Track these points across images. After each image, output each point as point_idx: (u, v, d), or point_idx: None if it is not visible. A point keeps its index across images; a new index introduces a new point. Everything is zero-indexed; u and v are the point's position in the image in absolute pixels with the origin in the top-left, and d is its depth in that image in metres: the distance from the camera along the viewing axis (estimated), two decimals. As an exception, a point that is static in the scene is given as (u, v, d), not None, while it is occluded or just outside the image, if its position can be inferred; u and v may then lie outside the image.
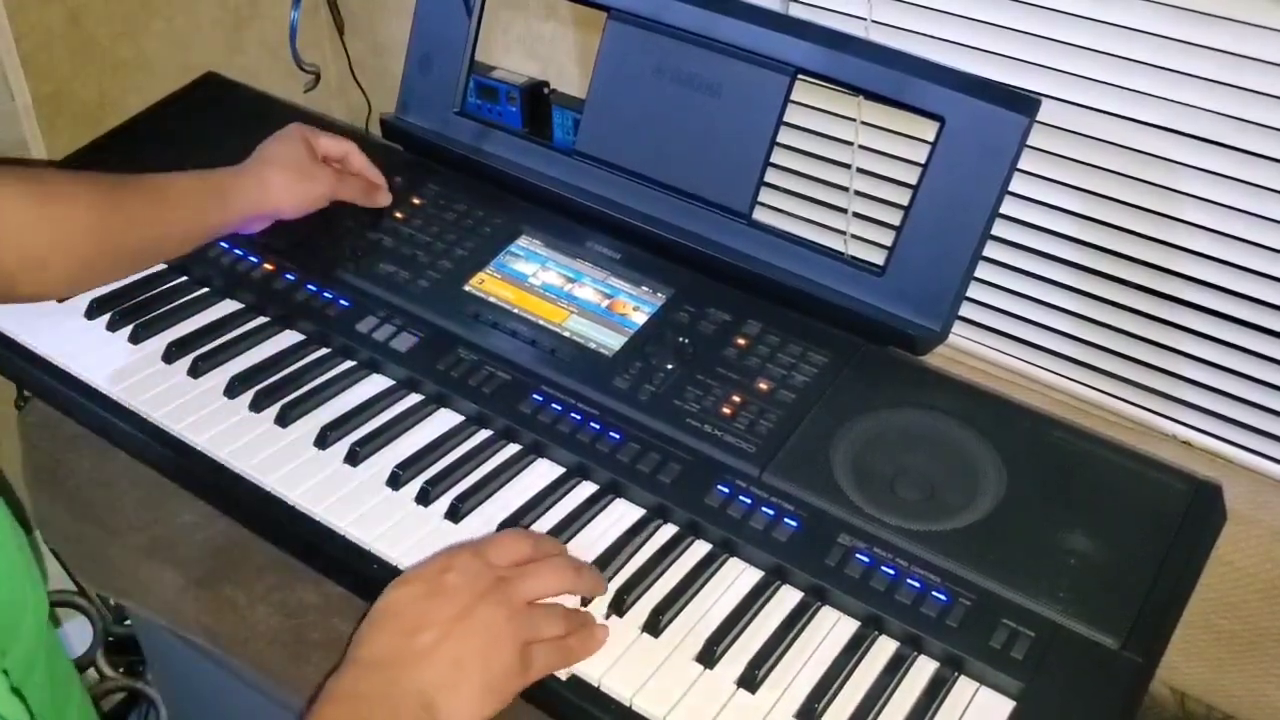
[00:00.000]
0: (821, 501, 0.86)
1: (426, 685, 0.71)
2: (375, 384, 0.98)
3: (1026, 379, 1.29)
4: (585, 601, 0.81)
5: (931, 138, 0.94)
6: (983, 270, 1.25)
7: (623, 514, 0.88)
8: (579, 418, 0.93)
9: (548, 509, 0.88)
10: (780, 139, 1.04)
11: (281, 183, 1.06)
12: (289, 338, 1.03)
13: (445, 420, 0.95)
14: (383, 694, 0.70)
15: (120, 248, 0.97)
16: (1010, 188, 0.93)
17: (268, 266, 1.07)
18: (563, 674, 0.77)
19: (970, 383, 0.96)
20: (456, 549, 0.78)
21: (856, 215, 1.35)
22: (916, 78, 0.94)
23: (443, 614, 0.73)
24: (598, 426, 0.92)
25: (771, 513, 0.86)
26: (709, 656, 0.78)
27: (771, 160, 1.02)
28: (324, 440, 0.92)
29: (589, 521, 0.87)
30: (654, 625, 0.79)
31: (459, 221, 1.10)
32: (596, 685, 0.77)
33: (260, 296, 1.05)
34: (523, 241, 1.08)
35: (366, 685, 0.71)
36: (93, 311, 1.04)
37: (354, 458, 0.91)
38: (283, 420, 0.94)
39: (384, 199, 1.12)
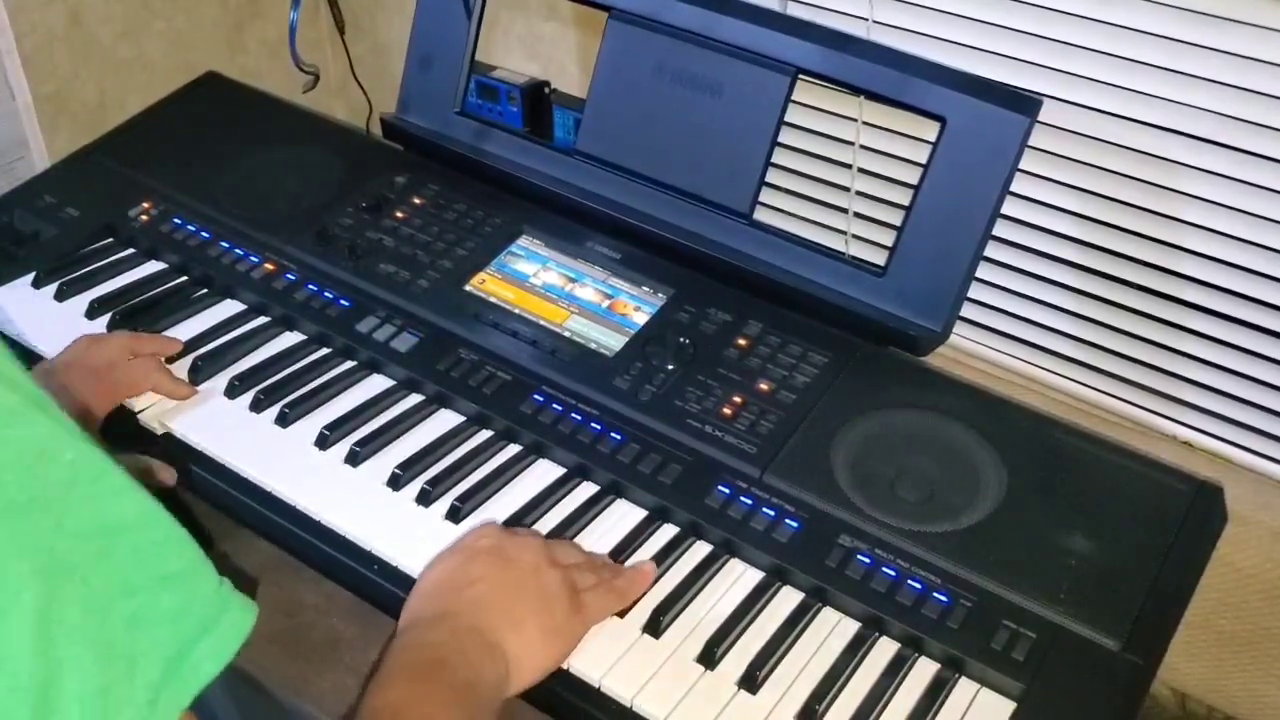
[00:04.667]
0: (822, 502, 0.86)
1: (486, 626, 0.72)
2: (375, 384, 0.98)
3: (1027, 379, 1.29)
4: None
5: (932, 138, 0.94)
6: (983, 270, 1.25)
7: (623, 515, 0.88)
8: (580, 418, 0.93)
9: (548, 510, 0.88)
10: (781, 139, 1.04)
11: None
12: (289, 338, 1.03)
13: (446, 421, 0.95)
14: (446, 637, 0.72)
15: None
16: (1011, 188, 0.93)
17: (268, 267, 1.07)
18: (572, 666, 0.77)
19: (971, 383, 0.95)
20: (482, 528, 0.81)
21: (857, 215, 1.35)
22: (917, 78, 0.94)
23: (489, 568, 0.76)
24: (598, 427, 0.92)
25: (772, 514, 0.86)
26: (710, 657, 0.78)
27: (772, 160, 1.02)
28: (324, 441, 0.92)
29: (590, 522, 0.87)
30: (655, 626, 0.79)
31: (459, 221, 1.10)
32: (597, 686, 0.77)
33: (261, 297, 1.05)
34: (523, 241, 1.08)
35: (432, 635, 0.72)
36: (93, 311, 1.04)
37: (354, 458, 0.91)
38: (283, 421, 0.94)
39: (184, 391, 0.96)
